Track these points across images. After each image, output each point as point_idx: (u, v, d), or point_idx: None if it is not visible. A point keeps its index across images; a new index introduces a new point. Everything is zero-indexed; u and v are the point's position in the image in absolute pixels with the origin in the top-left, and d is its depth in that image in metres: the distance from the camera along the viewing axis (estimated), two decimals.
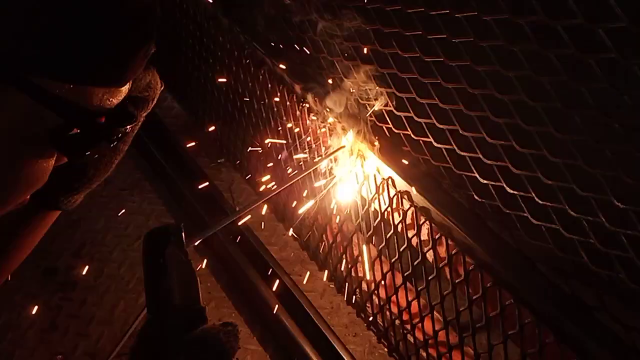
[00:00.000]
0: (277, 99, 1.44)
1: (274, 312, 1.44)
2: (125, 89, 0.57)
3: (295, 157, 1.42)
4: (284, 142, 1.46)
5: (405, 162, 1.14)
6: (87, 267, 1.61)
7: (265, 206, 1.57)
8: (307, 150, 1.37)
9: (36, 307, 1.51)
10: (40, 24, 0.47)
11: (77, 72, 0.50)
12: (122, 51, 0.54)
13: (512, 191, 0.92)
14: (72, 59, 0.49)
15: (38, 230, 0.78)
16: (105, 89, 0.53)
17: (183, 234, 0.66)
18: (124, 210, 1.78)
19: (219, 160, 1.92)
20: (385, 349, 1.41)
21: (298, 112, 1.36)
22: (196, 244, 0.73)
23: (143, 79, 0.68)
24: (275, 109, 1.46)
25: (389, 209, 1.15)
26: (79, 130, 0.52)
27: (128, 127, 0.59)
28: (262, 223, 1.69)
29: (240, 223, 1.45)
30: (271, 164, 1.58)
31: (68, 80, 0.49)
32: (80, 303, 1.53)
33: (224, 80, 1.70)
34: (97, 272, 1.61)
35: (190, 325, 0.60)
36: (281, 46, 1.46)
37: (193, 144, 1.95)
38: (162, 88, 0.72)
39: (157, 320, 0.61)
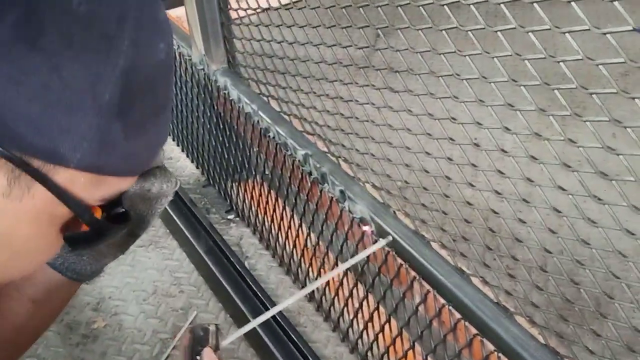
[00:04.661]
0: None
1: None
2: (131, 180, 0.55)
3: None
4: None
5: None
6: (106, 321, 1.72)
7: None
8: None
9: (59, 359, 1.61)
10: None
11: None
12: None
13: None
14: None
15: (62, 302, 0.80)
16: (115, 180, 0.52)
17: (219, 334, 0.74)
18: (139, 266, 1.91)
19: (228, 217, 2.05)
20: None
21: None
22: (229, 342, 0.79)
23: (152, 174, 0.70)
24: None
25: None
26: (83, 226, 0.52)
27: (125, 227, 0.57)
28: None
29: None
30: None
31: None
32: (100, 355, 1.63)
33: (235, 140, 1.84)
34: (116, 325, 1.72)
35: None
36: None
37: (205, 201, 2.12)
38: (177, 186, 0.73)
39: None
